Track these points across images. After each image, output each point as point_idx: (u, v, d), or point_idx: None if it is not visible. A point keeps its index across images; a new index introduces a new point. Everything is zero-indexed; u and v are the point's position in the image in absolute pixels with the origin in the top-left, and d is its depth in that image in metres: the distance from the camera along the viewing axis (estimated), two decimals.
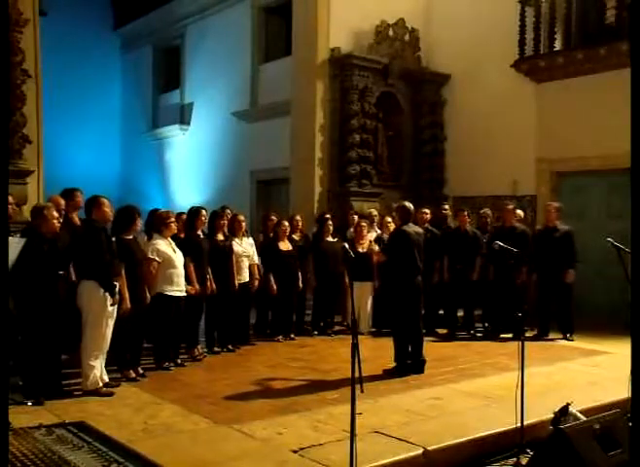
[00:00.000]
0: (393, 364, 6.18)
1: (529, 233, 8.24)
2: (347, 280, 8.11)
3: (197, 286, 6.55)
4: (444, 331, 8.35)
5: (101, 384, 5.28)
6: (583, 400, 4.87)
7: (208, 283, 6.74)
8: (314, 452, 3.93)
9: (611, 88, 8.70)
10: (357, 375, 3.41)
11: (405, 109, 11.07)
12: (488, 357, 6.96)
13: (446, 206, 9.13)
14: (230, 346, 7.12)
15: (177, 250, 6.28)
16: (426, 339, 6.50)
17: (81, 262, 5.32)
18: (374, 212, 9.07)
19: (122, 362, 5.79)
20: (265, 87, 12.54)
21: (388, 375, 6.02)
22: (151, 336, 6.33)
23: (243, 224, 7.47)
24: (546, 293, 8.15)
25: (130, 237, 5.79)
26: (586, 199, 9.64)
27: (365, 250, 8.21)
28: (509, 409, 4.29)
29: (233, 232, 7.28)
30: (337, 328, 8.45)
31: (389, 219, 8.45)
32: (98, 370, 5.29)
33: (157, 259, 6.05)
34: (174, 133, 14.88)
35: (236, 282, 7.08)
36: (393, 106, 10.94)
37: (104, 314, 5.24)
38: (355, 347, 3.44)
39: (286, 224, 7.88)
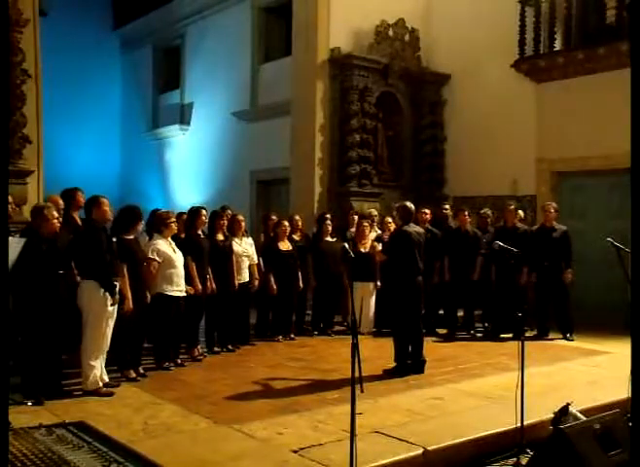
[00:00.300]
0: (393, 364, 6.17)
1: (532, 233, 8.24)
2: (347, 280, 8.17)
3: (200, 286, 6.55)
4: (445, 331, 8.35)
5: (101, 384, 5.28)
6: (583, 400, 4.87)
7: (208, 283, 6.75)
8: (314, 452, 3.93)
9: (611, 88, 8.70)
10: (357, 375, 3.41)
11: (405, 109, 11.07)
12: (488, 357, 6.96)
13: (447, 206, 9.13)
14: (230, 346, 7.12)
15: (177, 250, 6.28)
16: (426, 339, 6.50)
17: (81, 262, 5.32)
18: (375, 212, 9.07)
19: (122, 362, 5.79)
20: (265, 87, 12.54)
21: (388, 375, 6.02)
22: (151, 336, 6.33)
23: (243, 224, 7.47)
24: (544, 293, 8.15)
25: (132, 237, 5.80)
26: (586, 199, 9.64)
27: (367, 250, 8.21)
28: (509, 409, 4.29)
29: (233, 231, 7.29)
30: (337, 328, 8.45)
31: (389, 219, 8.45)
32: (98, 370, 5.29)
33: (157, 259, 6.05)
34: (174, 133, 14.87)
35: (236, 282, 7.08)
36: (393, 106, 10.94)
37: (104, 314, 5.24)
38: (355, 347, 3.44)
39: (286, 224, 7.88)
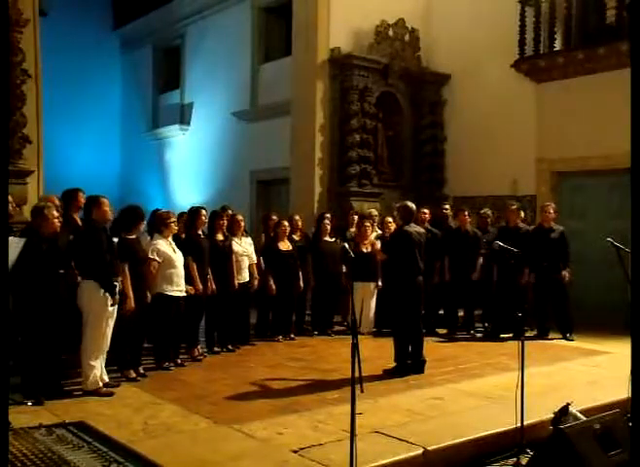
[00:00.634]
0: (393, 364, 6.17)
1: (530, 233, 8.24)
2: (347, 280, 8.18)
3: (200, 286, 6.55)
4: (445, 331, 8.35)
5: (101, 384, 5.28)
6: (583, 400, 4.87)
7: (209, 283, 6.75)
8: (314, 452, 3.93)
9: (611, 88, 8.70)
10: (357, 375, 3.41)
11: (405, 109, 11.07)
12: (488, 357, 6.96)
13: (447, 206, 9.13)
14: (230, 346, 7.12)
15: (177, 250, 6.28)
16: (426, 339, 6.50)
17: (81, 262, 5.32)
18: (375, 212, 9.07)
19: (122, 362, 5.79)
20: (265, 87, 12.54)
21: (388, 375, 6.02)
22: (151, 336, 6.34)
23: (242, 223, 7.47)
24: (542, 293, 8.15)
25: (133, 237, 5.81)
26: (586, 199, 9.65)
27: (368, 250, 8.21)
28: (509, 409, 4.29)
29: (233, 231, 7.29)
30: (336, 328, 8.45)
31: (390, 219, 8.46)
32: (98, 370, 5.29)
33: (157, 259, 6.05)
34: (174, 133, 14.87)
35: (236, 282, 7.08)
36: (393, 106, 10.94)
37: (104, 314, 5.24)
38: (355, 347, 3.44)
39: (286, 224, 7.88)
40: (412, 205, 6.42)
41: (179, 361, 6.38)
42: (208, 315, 6.94)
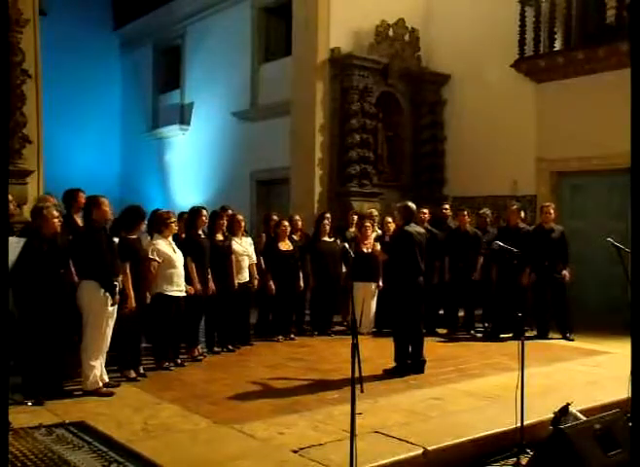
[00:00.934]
0: (393, 364, 6.17)
1: (530, 233, 8.24)
2: (347, 280, 8.18)
3: (199, 286, 6.55)
4: (445, 331, 8.35)
5: (101, 384, 5.28)
6: (583, 400, 4.87)
7: (209, 283, 6.74)
8: (314, 452, 3.93)
9: (611, 88, 8.70)
10: (357, 375, 3.41)
11: (405, 109, 11.07)
12: (488, 357, 6.96)
13: (447, 206, 9.13)
14: (230, 346, 7.12)
15: (177, 250, 6.28)
16: (426, 339, 6.49)
17: (81, 262, 5.32)
18: (375, 212, 9.07)
19: (122, 362, 5.79)
20: (265, 87, 12.54)
21: (388, 375, 6.02)
22: (151, 336, 6.34)
23: (242, 223, 7.47)
24: (542, 293, 8.14)
25: (134, 237, 5.81)
26: (586, 199, 9.65)
27: (369, 250, 8.21)
28: (509, 409, 4.29)
29: (233, 231, 7.28)
30: (337, 328, 8.44)
31: (390, 219, 8.46)
32: (98, 370, 5.29)
33: (157, 259, 6.05)
34: (174, 133, 14.87)
35: (236, 282, 7.08)
36: (393, 106, 10.94)
37: (104, 314, 5.24)
38: (355, 347, 3.43)
39: (286, 224, 7.88)
40: (413, 205, 6.41)
41: (179, 361, 6.38)
42: (208, 315, 6.94)
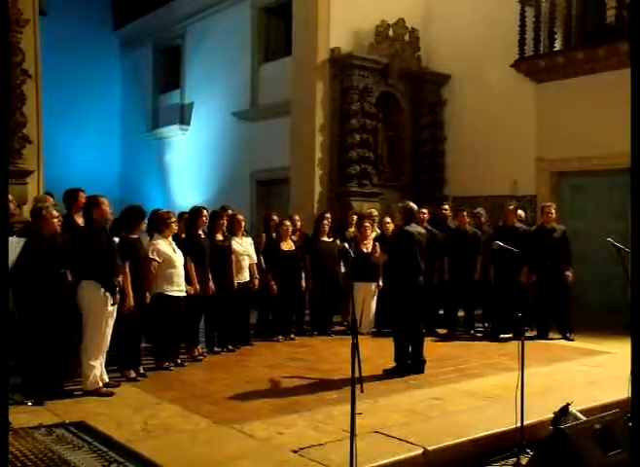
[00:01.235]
0: (393, 364, 6.17)
1: (531, 233, 8.24)
2: (347, 280, 8.18)
3: (198, 286, 6.55)
4: (445, 331, 8.35)
5: (101, 384, 5.28)
6: (583, 400, 4.87)
7: (209, 283, 6.74)
8: (314, 452, 3.93)
9: (611, 88, 8.70)
10: (357, 375, 3.41)
11: (405, 109, 11.07)
12: (488, 357, 6.96)
13: (446, 206, 9.13)
14: (230, 346, 7.12)
15: (177, 250, 6.28)
16: (426, 339, 6.50)
17: (80, 262, 5.32)
18: (375, 212, 9.07)
19: (122, 362, 5.79)
20: (265, 87, 12.54)
21: (388, 375, 6.02)
22: (151, 336, 6.34)
23: (242, 223, 7.47)
24: (545, 293, 8.14)
25: (135, 236, 5.82)
26: (586, 199, 9.65)
27: (369, 250, 8.21)
28: (509, 409, 4.29)
29: (233, 231, 7.29)
30: (337, 328, 8.44)
31: (388, 219, 8.47)
32: (98, 370, 5.29)
33: (157, 259, 6.05)
34: (174, 133, 14.87)
35: (235, 282, 7.08)
36: (393, 106, 10.94)
37: (104, 314, 5.24)
38: (355, 347, 3.44)
39: (288, 224, 7.89)
40: (414, 206, 6.42)
41: (179, 361, 6.38)
42: (208, 315, 6.94)
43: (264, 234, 8.07)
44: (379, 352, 6.72)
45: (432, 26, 11.22)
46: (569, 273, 8.01)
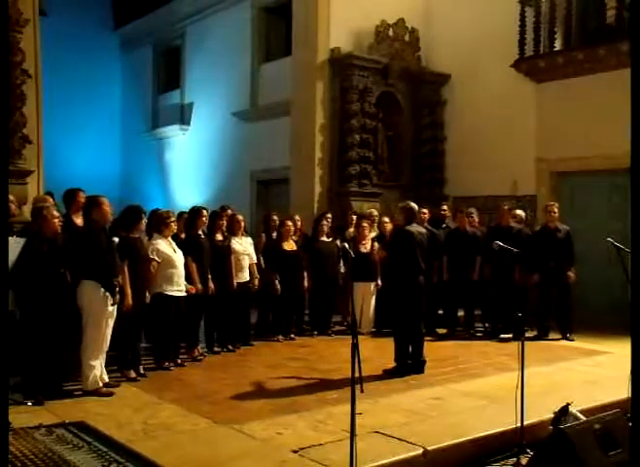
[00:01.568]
0: (393, 364, 6.17)
1: (526, 233, 8.23)
2: (347, 280, 8.18)
3: (200, 286, 6.55)
4: (444, 331, 8.35)
5: (101, 384, 5.28)
6: (583, 400, 4.87)
7: (209, 283, 6.74)
8: (314, 452, 3.93)
9: (611, 88, 8.70)
10: (357, 375, 3.41)
11: (405, 109, 11.07)
12: (488, 357, 6.96)
13: (445, 206, 9.13)
14: (229, 346, 7.12)
15: (177, 250, 6.28)
16: (426, 339, 6.50)
17: (80, 262, 5.31)
18: (375, 212, 9.07)
19: (122, 362, 5.79)
20: (265, 87, 12.54)
21: (388, 375, 6.02)
22: (151, 336, 6.34)
23: (242, 223, 7.47)
24: (548, 294, 8.14)
25: (136, 236, 5.83)
26: (586, 199, 9.64)
27: (367, 250, 8.21)
28: (509, 409, 4.29)
29: (233, 231, 7.29)
30: (336, 328, 8.44)
31: (386, 219, 8.47)
32: (98, 370, 5.29)
33: (156, 259, 6.05)
34: (174, 133, 14.88)
35: (235, 282, 7.08)
36: (393, 106, 10.94)
37: (104, 314, 5.24)
38: (355, 347, 3.43)
39: (289, 224, 7.89)
40: (415, 206, 6.42)
41: (179, 361, 6.38)
42: (208, 315, 6.94)
43: (263, 234, 8.07)
44: (379, 352, 6.73)
45: (432, 26, 11.21)
46: (571, 274, 8.01)
